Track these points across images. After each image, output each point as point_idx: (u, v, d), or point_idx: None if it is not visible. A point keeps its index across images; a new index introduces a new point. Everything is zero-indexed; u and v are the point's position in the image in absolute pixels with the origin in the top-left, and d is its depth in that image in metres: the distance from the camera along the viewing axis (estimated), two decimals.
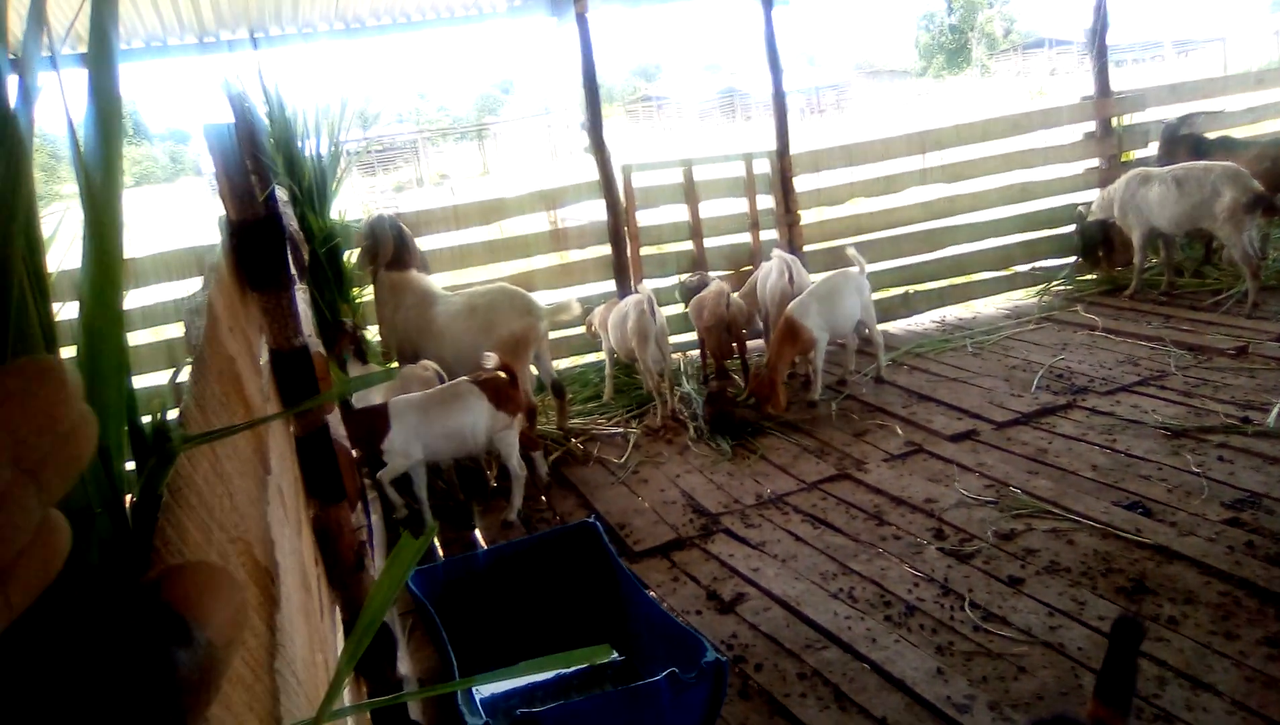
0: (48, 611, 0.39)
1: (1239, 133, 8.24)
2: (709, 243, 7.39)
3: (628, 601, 3.62)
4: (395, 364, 5.68)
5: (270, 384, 2.21)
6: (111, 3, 0.64)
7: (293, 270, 2.44)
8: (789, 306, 5.86)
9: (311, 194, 6.02)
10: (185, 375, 1.17)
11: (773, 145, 7.43)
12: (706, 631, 3.73)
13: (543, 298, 6.04)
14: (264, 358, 2.33)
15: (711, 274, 6.96)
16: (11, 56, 0.58)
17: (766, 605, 3.93)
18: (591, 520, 4.00)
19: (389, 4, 6.67)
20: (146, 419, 1.10)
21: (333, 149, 6.29)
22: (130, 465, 0.79)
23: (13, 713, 0.37)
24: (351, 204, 6.81)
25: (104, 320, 0.68)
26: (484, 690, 3.56)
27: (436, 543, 4.78)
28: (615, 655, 3.69)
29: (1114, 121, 8.32)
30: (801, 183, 7.51)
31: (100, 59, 0.64)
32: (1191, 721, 2.94)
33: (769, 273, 6.54)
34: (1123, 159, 8.31)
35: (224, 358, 1.48)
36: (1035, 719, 3.02)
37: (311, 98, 6.32)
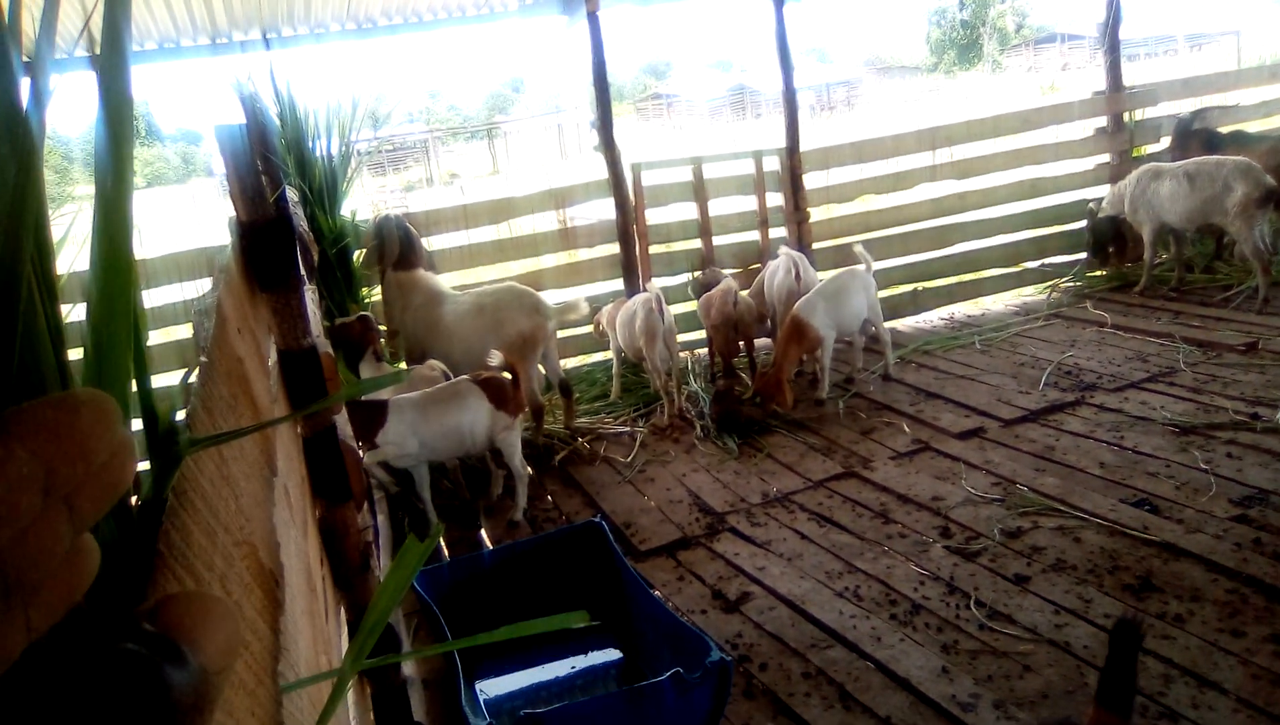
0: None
1: (1252, 127, 8.21)
2: (718, 241, 7.39)
3: (633, 601, 3.63)
4: (404, 365, 5.70)
5: (278, 384, 2.23)
6: (124, 4, 0.65)
7: (302, 271, 2.46)
8: (796, 305, 5.86)
9: (322, 194, 6.06)
10: (193, 377, 1.18)
11: (783, 143, 7.43)
12: (711, 631, 3.74)
13: (551, 297, 6.05)
14: (272, 358, 2.36)
15: (722, 272, 6.96)
16: (25, 59, 0.59)
17: (772, 604, 3.94)
18: (597, 520, 4.02)
19: (400, 4, 6.69)
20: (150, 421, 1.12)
21: (343, 149, 6.33)
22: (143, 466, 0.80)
23: None
24: (362, 204, 6.84)
25: (112, 321, 0.69)
26: (488, 691, 3.58)
27: (442, 542, 4.80)
28: (615, 656, 3.71)
29: (1126, 116, 8.29)
30: (811, 180, 7.51)
31: (112, 61, 0.64)
32: (1197, 719, 2.94)
33: (776, 270, 6.55)
34: (1134, 154, 8.28)
35: (232, 359, 1.50)
36: (1038, 723, 3.02)
37: (323, 98, 6.39)
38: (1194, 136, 7.77)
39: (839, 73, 58.29)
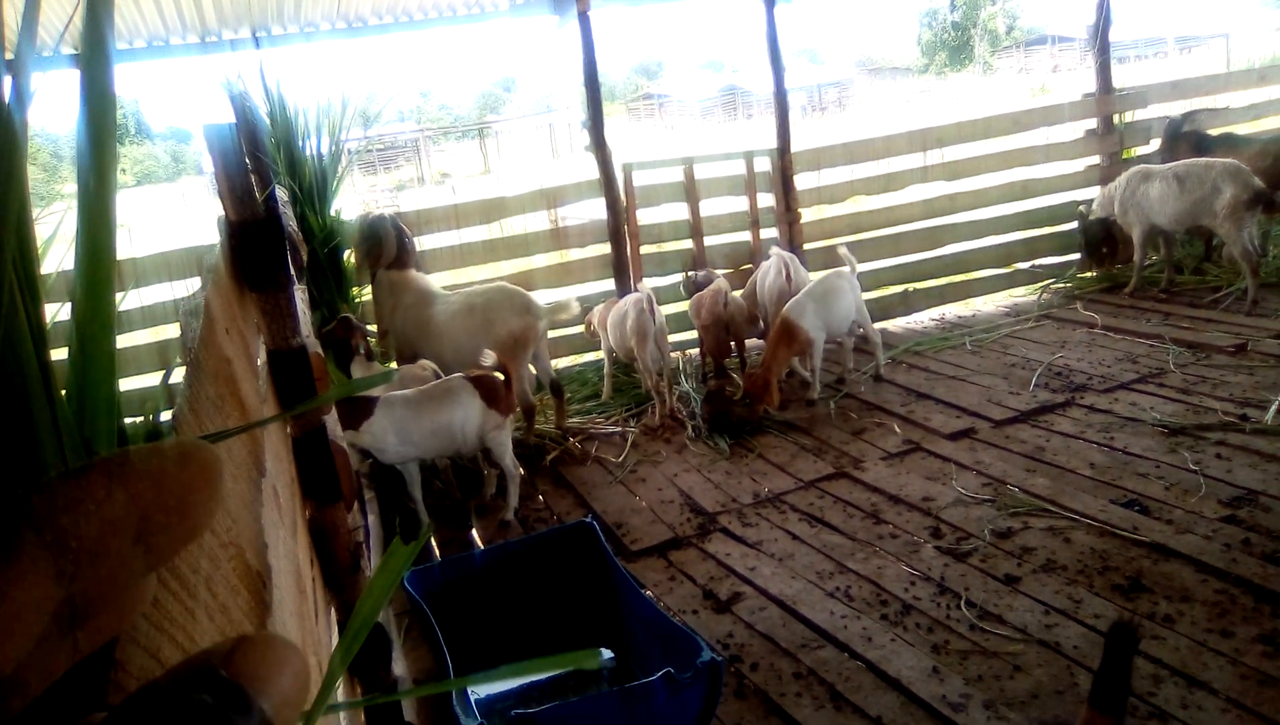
0: None
1: (1241, 129, 8.24)
2: (709, 241, 7.39)
3: (624, 601, 3.63)
4: (394, 364, 5.68)
5: (268, 384, 2.22)
6: (107, 3, 0.64)
7: (291, 270, 2.45)
8: (785, 307, 5.86)
9: (312, 193, 6.04)
10: (178, 377, 1.17)
11: (774, 143, 7.43)
12: (703, 631, 3.74)
13: (542, 297, 6.04)
14: (261, 358, 2.35)
15: (714, 272, 6.97)
16: (7, 57, 0.59)
17: (763, 604, 3.94)
18: (588, 520, 4.01)
19: (391, 3, 6.68)
20: (139, 421, 1.11)
21: (334, 148, 6.31)
22: None
23: None
24: (352, 203, 6.83)
25: (95, 322, 0.68)
26: (479, 691, 3.57)
27: (433, 542, 4.79)
28: (606, 656, 3.71)
29: (1116, 119, 8.31)
30: (802, 181, 7.52)
31: (94, 59, 0.63)
32: (1186, 720, 2.94)
33: (767, 271, 6.55)
34: (1124, 156, 8.30)
35: (220, 359, 1.49)
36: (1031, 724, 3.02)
37: (313, 97, 6.35)
38: (1183, 139, 7.80)
39: (830, 73, 58.46)
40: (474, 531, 4.91)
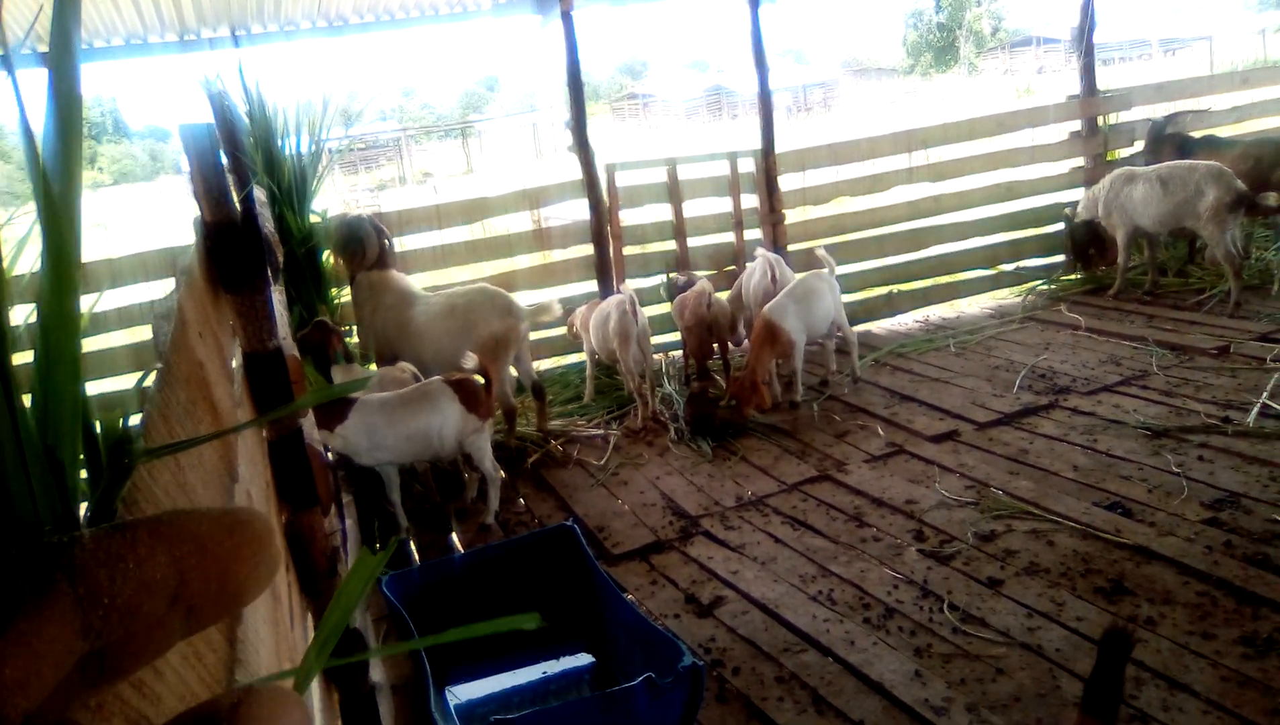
0: None
1: (1224, 132, 8.28)
2: (693, 242, 7.37)
3: (605, 605, 3.60)
4: (374, 367, 5.64)
5: (243, 387, 2.19)
6: (74, 1, 0.62)
7: (269, 271, 2.42)
8: (766, 308, 5.84)
9: (291, 193, 5.99)
10: (150, 382, 1.15)
11: (758, 144, 7.42)
12: (685, 635, 3.72)
13: (524, 298, 6.01)
14: (237, 361, 2.31)
15: (697, 274, 6.95)
16: None
17: (745, 608, 3.91)
18: (569, 523, 3.99)
19: (373, 1, 6.63)
20: (106, 427, 1.08)
21: (313, 147, 6.26)
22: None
23: None
24: (332, 203, 6.78)
25: (60, 325, 0.66)
26: (460, 696, 3.54)
27: (413, 545, 4.75)
28: (587, 660, 3.68)
29: (1100, 120, 8.34)
30: (786, 182, 7.51)
31: (61, 59, 0.62)
32: (1167, 721, 2.93)
33: (753, 272, 6.54)
34: (1108, 158, 8.33)
35: (192, 363, 1.46)
36: None
37: (293, 96, 6.31)
38: (1167, 141, 7.83)
39: (816, 74, 58.66)
40: (454, 535, 4.87)
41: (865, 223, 7.92)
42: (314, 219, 6.19)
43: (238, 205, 2.18)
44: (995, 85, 42.28)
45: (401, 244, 6.61)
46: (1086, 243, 7.72)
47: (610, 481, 5.35)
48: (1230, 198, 6.50)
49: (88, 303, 5.95)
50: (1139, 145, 8.22)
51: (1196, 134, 7.91)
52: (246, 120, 5.82)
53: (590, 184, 7.00)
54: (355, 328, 5.97)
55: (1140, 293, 7.41)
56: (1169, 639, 3.33)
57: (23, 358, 0.61)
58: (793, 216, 7.61)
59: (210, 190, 2.11)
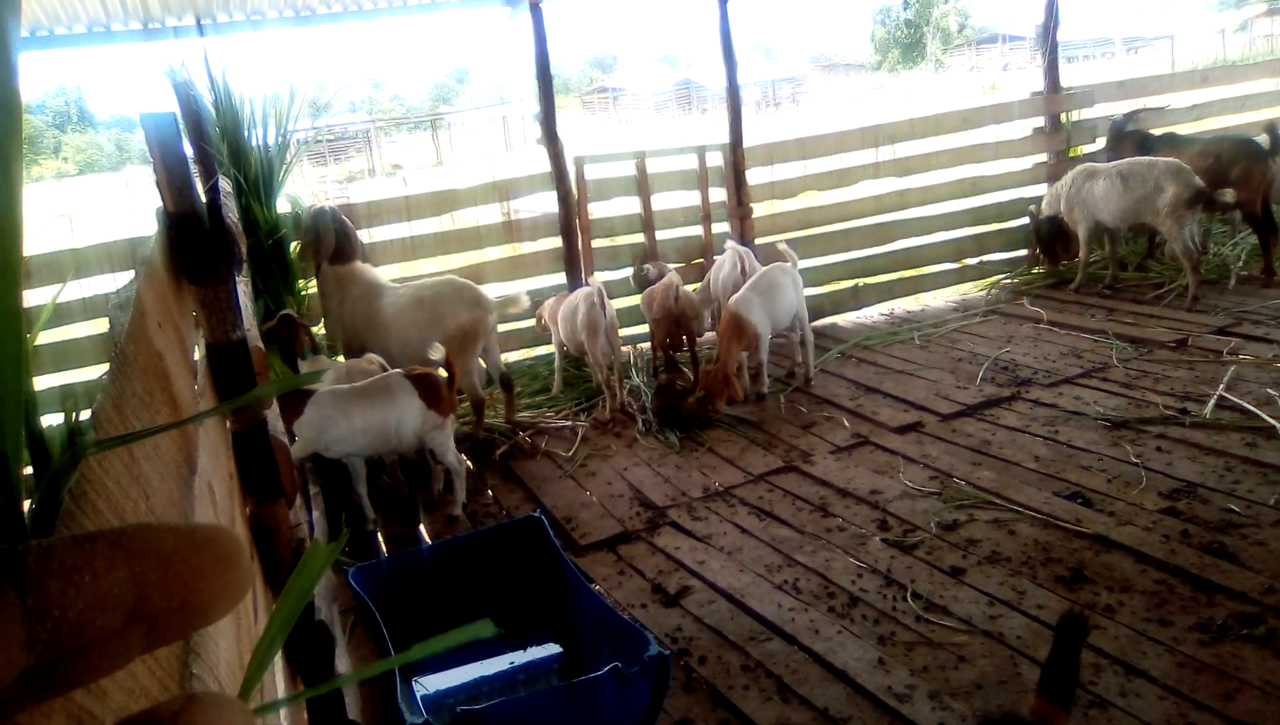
0: None
1: (1184, 129, 8.40)
2: (661, 235, 7.38)
3: (572, 596, 3.62)
4: (341, 359, 5.61)
5: (206, 379, 2.18)
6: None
7: (233, 263, 2.41)
8: (732, 300, 5.85)
9: (257, 184, 5.93)
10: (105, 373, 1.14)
11: (727, 138, 7.44)
12: (651, 625, 3.74)
13: (493, 290, 6.00)
14: (200, 352, 2.30)
15: (667, 266, 6.96)
16: None
17: (711, 598, 3.94)
18: (537, 514, 4.00)
19: None
20: (59, 420, 1.08)
21: (281, 138, 6.20)
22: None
23: None
24: (301, 194, 6.72)
25: (3, 316, 0.66)
26: (428, 687, 3.55)
27: (380, 537, 4.74)
28: (554, 650, 3.70)
29: (1063, 117, 8.44)
30: (755, 176, 7.54)
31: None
32: (1125, 707, 3.00)
33: (722, 265, 6.57)
34: (1070, 154, 8.43)
35: (150, 354, 1.46)
36: (982, 717, 3.05)
37: (260, 86, 6.23)
38: (1127, 138, 7.93)
39: (785, 69, 58.76)
40: (422, 527, 4.86)
41: (832, 217, 7.96)
42: (282, 210, 6.15)
43: (202, 195, 2.17)
44: (961, 82, 42.60)
45: (370, 236, 6.58)
46: (1051, 238, 7.81)
47: (578, 473, 5.36)
48: (1188, 194, 6.60)
49: (50, 294, 5.88)
50: (1101, 142, 8.32)
51: (1157, 131, 8.02)
52: (212, 110, 5.76)
53: (559, 177, 6.98)
54: (323, 320, 5.94)
55: (1101, 287, 7.51)
56: (1127, 626, 3.39)
57: None
58: (760, 210, 7.64)
59: (173, 180, 2.09)
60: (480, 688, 3.56)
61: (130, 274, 1.67)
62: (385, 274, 6.16)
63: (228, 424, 2.29)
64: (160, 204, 2.19)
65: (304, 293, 6.22)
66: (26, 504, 0.77)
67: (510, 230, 7.37)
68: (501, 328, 6.31)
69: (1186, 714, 2.94)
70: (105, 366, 1.14)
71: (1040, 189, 8.19)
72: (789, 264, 6.14)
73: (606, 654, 3.13)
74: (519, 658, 3.70)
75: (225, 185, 4.75)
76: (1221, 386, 5.23)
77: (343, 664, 3.06)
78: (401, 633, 3.36)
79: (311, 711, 2.49)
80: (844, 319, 7.79)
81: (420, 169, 31.70)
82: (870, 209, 8.08)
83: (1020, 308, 7.38)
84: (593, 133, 36.98)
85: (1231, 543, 3.81)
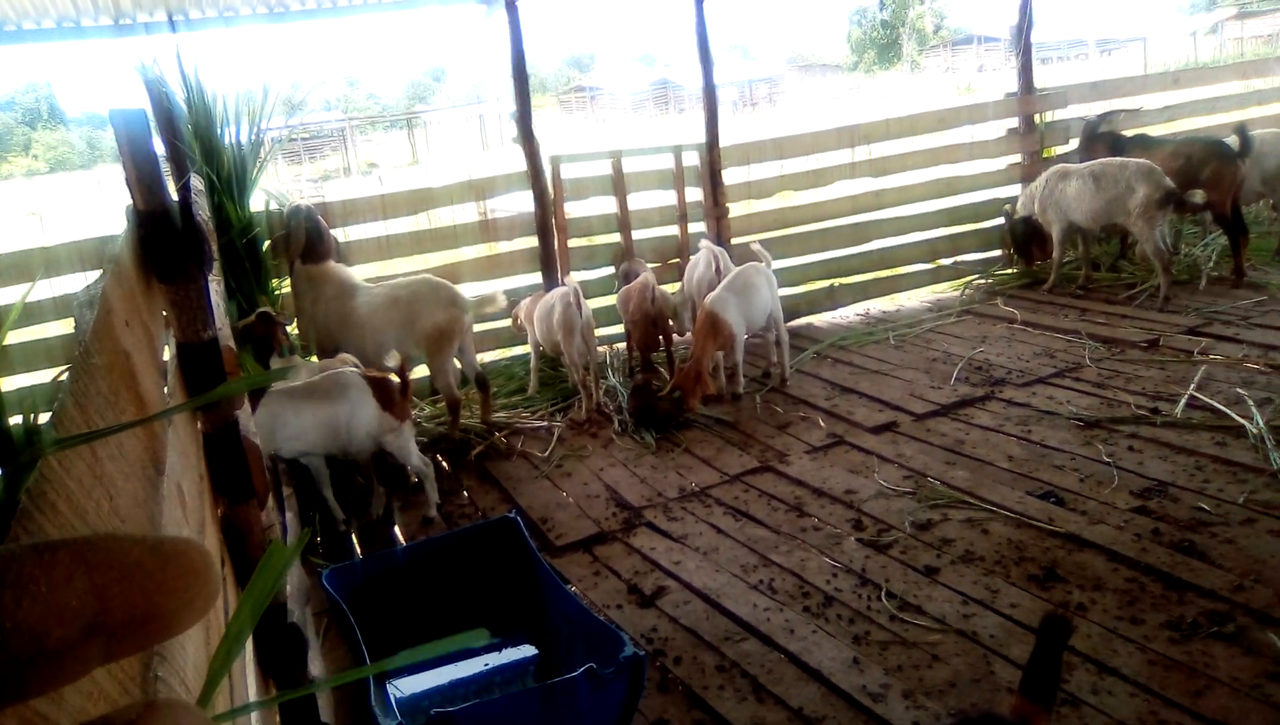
0: None
1: (1155, 131, 8.47)
2: (637, 235, 7.37)
3: (548, 597, 3.61)
4: (314, 359, 5.57)
5: (176, 379, 2.15)
6: None
7: (204, 261, 2.38)
8: (707, 300, 5.85)
9: (230, 182, 5.88)
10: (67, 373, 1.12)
11: (703, 138, 7.45)
12: (627, 625, 3.74)
13: (469, 289, 5.98)
14: (170, 352, 2.27)
15: (645, 265, 6.95)
16: None
17: (687, 598, 3.94)
18: (512, 515, 3.98)
19: None
20: (17, 420, 1.06)
21: (254, 136, 6.15)
22: None
23: None
24: (281, 191, 6.67)
25: None
26: (402, 689, 3.52)
27: (355, 539, 4.71)
28: (530, 652, 3.68)
29: (1037, 118, 8.50)
30: (731, 175, 7.54)
31: None
32: (1097, 704, 3.02)
33: (697, 264, 6.57)
34: (1044, 155, 8.49)
35: (117, 353, 1.44)
36: (961, 717, 3.06)
37: (233, 83, 6.17)
38: (1100, 139, 7.99)
39: (762, 69, 58.84)
40: (396, 528, 4.83)
41: (808, 217, 7.98)
42: (258, 208, 6.10)
43: (173, 193, 2.15)
44: (937, 82, 42.80)
45: (346, 235, 6.54)
46: (1026, 239, 7.86)
47: (554, 473, 5.35)
48: (1159, 195, 6.66)
49: (19, 293, 5.81)
50: (1074, 143, 8.39)
51: (1129, 132, 8.08)
52: (185, 108, 5.71)
53: (535, 176, 6.97)
54: (295, 319, 5.90)
55: (1074, 287, 7.57)
56: (1099, 624, 3.41)
57: None
58: (736, 210, 7.65)
59: (143, 177, 2.07)
60: (455, 690, 3.54)
61: (99, 273, 1.65)
62: (361, 273, 6.13)
63: (198, 424, 2.26)
64: (130, 202, 2.17)
65: (277, 292, 6.17)
66: None
67: (486, 229, 7.34)
68: (477, 327, 6.29)
69: (1157, 711, 2.96)
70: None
71: (1015, 189, 8.24)
72: (763, 264, 6.15)
73: (582, 655, 3.12)
74: (494, 659, 3.68)
75: (197, 183, 4.70)
76: (1192, 386, 5.29)
77: (316, 667, 3.03)
78: (376, 635, 3.34)
79: (284, 715, 2.47)
80: (819, 319, 7.81)
81: (396, 168, 31.52)
82: (846, 209, 8.10)
83: (994, 308, 7.42)
84: (570, 132, 36.93)
85: (1202, 541, 3.85)
